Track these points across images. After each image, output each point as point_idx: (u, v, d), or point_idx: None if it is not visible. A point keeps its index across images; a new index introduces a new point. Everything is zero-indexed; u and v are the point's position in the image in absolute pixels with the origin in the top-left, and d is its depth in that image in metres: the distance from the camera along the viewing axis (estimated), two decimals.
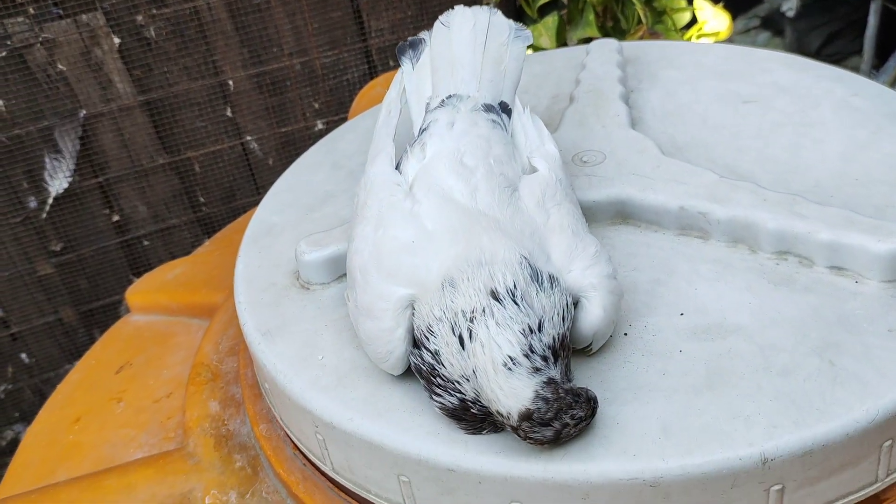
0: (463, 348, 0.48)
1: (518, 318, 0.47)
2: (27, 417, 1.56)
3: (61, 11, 1.27)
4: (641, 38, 1.23)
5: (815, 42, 2.66)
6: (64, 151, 1.34)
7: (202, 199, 1.49)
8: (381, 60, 1.46)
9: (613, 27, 1.31)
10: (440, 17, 0.72)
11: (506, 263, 0.50)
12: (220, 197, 1.48)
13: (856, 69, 2.40)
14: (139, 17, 1.31)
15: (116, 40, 1.31)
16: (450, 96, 0.64)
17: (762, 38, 2.86)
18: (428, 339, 0.50)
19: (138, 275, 1.52)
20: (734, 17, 2.86)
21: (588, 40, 1.31)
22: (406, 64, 0.70)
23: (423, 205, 0.55)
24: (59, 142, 1.34)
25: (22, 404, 1.55)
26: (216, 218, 1.51)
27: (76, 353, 1.54)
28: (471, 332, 0.48)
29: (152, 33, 1.33)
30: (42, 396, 1.56)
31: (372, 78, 1.44)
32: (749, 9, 2.88)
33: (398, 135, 0.64)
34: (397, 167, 0.60)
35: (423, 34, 0.71)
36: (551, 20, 1.26)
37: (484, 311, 0.48)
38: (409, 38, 0.71)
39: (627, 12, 1.27)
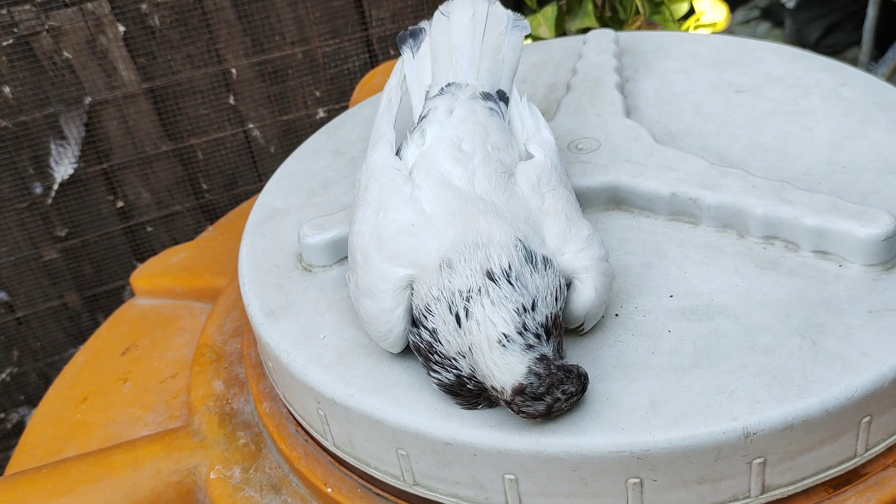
0: (459, 326, 0.50)
1: (512, 298, 0.49)
2: (32, 401, 1.59)
3: (67, 0, 1.29)
4: (639, 28, 1.25)
5: (814, 33, 2.67)
6: (69, 138, 1.36)
7: (205, 186, 1.50)
8: (381, 49, 1.47)
9: (612, 17, 1.32)
10: (440, 7, 0.73)
11: (501, 245, 0.52)
12: (222, 184, 1.50)
13: (855, 60, 2.41)
14: (143, 6, 1.32)
15: (121, 28, 1.32)
16: (449, 84, 0.66)
17: (762, 29, 2.87)
18: (426, 318, 0.52)
19: (142, 260, 1.54)
20: (734, 7, 2.88)
21: (587, 30, 1.33)
22: (406, 53, 0.71)
23: (423, 189, 0.57)
24: (64, 128, 1.36)
25: (27, 388, 1.57)
26: (218, 204, 1.53)
27: (80, 338, 1.56)
28: (467, 311, 0.49)
29: (156, 21, 1.34)
30: (47, 380, 1.58)
31: (373, 67, 1.45)
32: (749, 0, 2.89)
33: (399, 122, 0.66)
34: (398, 153, 0.62)
35: (424, 24, 0.73)
36: (550, 10, 1.28)
37: (480, 290, 0.50)
38: (410, 28, 0.73)
39: (625, 3, 1.28)
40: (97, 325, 1.56)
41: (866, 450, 0.52)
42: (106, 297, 1.55)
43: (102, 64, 1.34)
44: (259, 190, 0.80)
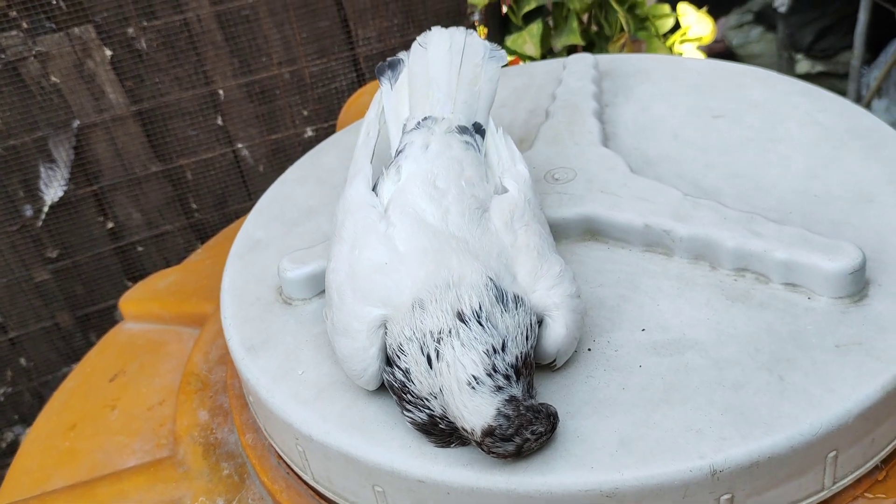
0: (431, 367, 0.51)
1: (482, 339, 0.50)
2: (26, 420, 1.60)
3: (54, 25, 1.30)
4: (624, 45, 1.26)
5: (806, 37, 2.68)
6: (58, 161, 1.37)
7: (195, 206, 1.52)
8: (368, 68, 1.48)
9: (597, 34, 1.33)
10: (418, 38, 0.74)
11: (472, 286, 0.53)
12: (212, 203, 1.51)
13: (847, 64, 2.42)
14: (130, 30, 1.33)
15: (108, 52, 1.34)
16: (425, 118, 0.66)
17: (755, 34, 2.88)
18: (399, 358, 0.52)
19: (133, 280, 1.55)
20: (727, 12, 2.88)
21: (573, 47, 1.34)
22: (385, 84, 0.72)
23: (397, 227, 0.58)
24: (53, 152, 1.37)
25: (21, 407, 1.58)
26: (209, 224, 1.54)
27: (73, 357, 1.58)
28: (438, 353, 0.50)
29: (143, 45, 1.35)
30: (40, 399, 1.59)
31: (360, 85, 1.46)
32: (742, 4, 2.90)
33: (378, 153, 0.67)
34: (374, 188, 0.63)
35: (402, 54, 0.73)
36: (536, 27, 1.29)
37: (450, 332, 0.51)
38: (388, 59, 0.73)
39: (611, 19, 1.29)
40: (89, 344, 1.57)
41: (834, 483, 0.53)
42: (98, 317, 1.56)
43: (90, 87, 1.35)
44: (249, 209, 0.81)
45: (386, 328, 0.54)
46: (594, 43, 1.33)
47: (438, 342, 0.51)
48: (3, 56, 1.29)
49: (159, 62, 1.37)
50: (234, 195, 1.50)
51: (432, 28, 0.74)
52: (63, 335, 1.54)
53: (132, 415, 0.86)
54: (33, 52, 1.30)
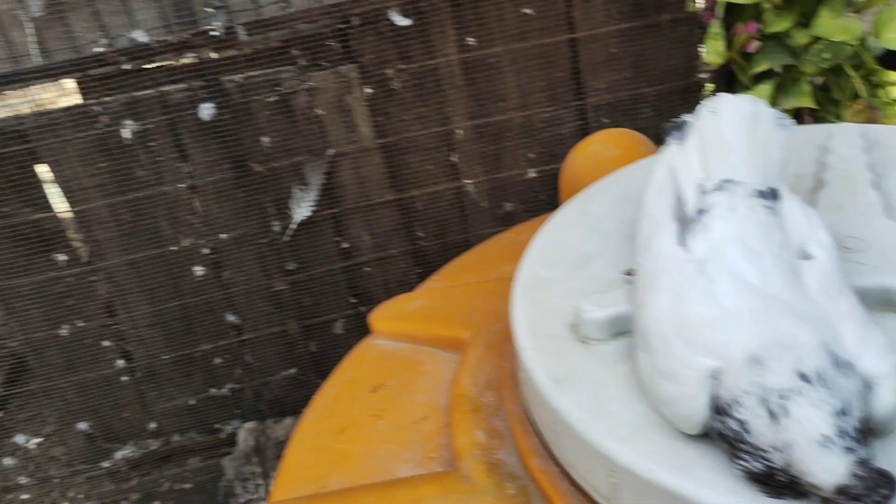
0: (774, 422, 0.54)
1: (828, 401, 0.54)
2: (244, 416, 1.74)
3: (324, 63, 1.44)
4: (861, 112, 1.26)
5: None
6: (311, 184, 1.51)
7: (419, 234, 1.62)
8: (594, 118, 1.55)
9: (826, 97, 1.34)
10: (706, 104, 0.78)
11: (810, 348, 0.56)
12: (434, 232, 1.61)
13: None
14: (388, 71, 1.46)
15: (368, 90, 1.47)
16: (725, 181, 0.71)
17: None
18: (734, 409, 0.57)
19: (356, 297, 1.67)
20: None
21: (799, 110, 1.35)
22: (673, 144, 0.77)
23: (719, 283, 0.62)
24: (308, 175, 1.51)
25: (242, 404, 1.73)
26: (429, 251, 1.65)
27: (292, 363, 1.71)
28: (784, 409, 0.54)
29: (397, 85, 1.48)
30: (258, 398, 1.73)
31: (584, 133, 1.53)
32: None
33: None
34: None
35: (686, 117, 0.78)
36: (765, 88, 1.31)
37: (796, 391, 0.54)
38: (674, 120, 0.78)
39: (843, 83, 1.30)
40: (309, 352, 1.70)
41: None
42: (319, 328, 1.69)
43: (346, 121, 1.49)
44: (466, 241, 0.87)
45: (716, 379, 0.59)
46: (823, 107, 1.33)
47: (783, 399, 0.54)
48: (279, 89, 1.44)
49: (406, 101, 1.49)
50: (454, 226, 1.60)
51: (720, 95, 0.79)
52: (287, 342, 1.68)
53: (398, 426, 0.93)
54: (304, 87, 1.44)
